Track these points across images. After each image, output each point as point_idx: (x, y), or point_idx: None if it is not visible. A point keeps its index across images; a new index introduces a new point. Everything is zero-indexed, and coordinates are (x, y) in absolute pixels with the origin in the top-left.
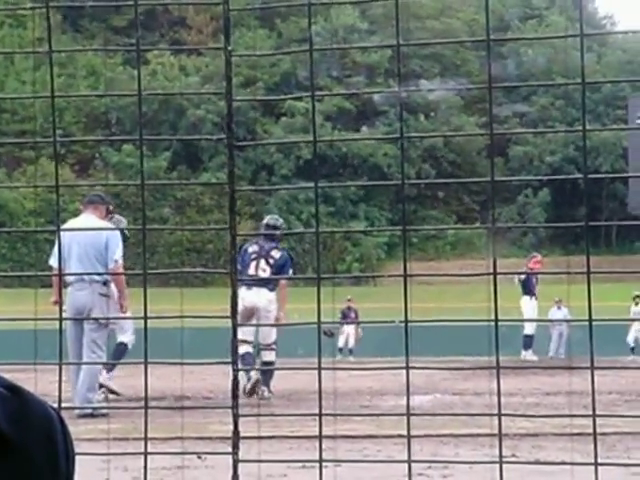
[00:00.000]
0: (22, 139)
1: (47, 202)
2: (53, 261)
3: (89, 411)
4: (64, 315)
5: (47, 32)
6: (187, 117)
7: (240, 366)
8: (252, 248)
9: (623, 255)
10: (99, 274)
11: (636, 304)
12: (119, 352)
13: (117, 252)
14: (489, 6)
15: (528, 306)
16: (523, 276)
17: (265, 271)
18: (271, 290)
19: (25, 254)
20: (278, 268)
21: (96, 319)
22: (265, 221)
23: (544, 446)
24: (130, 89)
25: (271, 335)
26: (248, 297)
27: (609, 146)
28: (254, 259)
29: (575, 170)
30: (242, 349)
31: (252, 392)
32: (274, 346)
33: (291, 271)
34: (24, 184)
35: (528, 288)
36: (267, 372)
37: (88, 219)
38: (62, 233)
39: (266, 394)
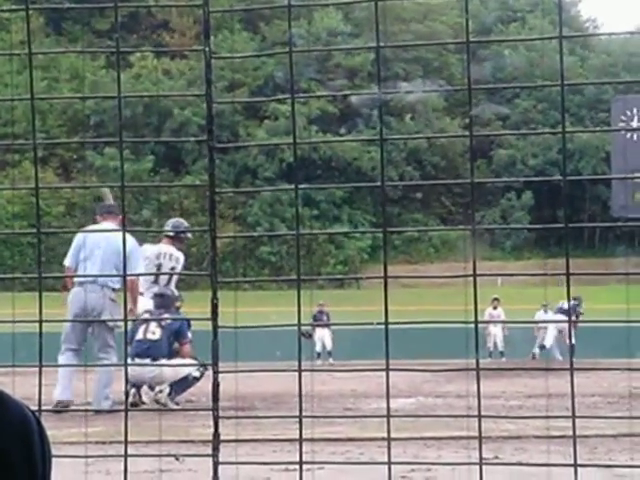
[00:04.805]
0: (3, 142)
1: (30, 205)
2: (67, 261)
3: (107, 407)
4: (67, 312)
5: (27, 34)
6: (172, 120)
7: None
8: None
9: (605, 258)
10: (101, 276)
11: (494, 308)
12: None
13: (139, 263)
14: (468, 8)
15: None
16: None
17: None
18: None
19: (8, 257)
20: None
21: (78, 321)
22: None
23: (527, 448)
24: (113, 92)
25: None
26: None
27: (592, 149)
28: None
29: (557, 173)
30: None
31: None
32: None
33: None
34: (5, 187)
35: None
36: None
37: (111, 227)
38: (87, 235)
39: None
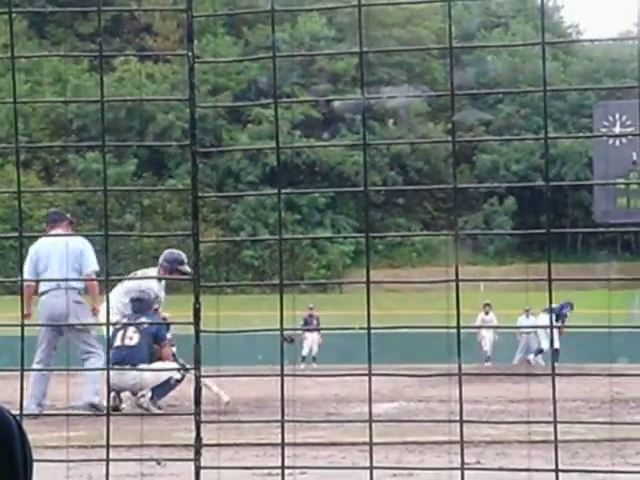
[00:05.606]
0: None
1: (12, 209)
2: (27, 274)
3: (96, 402)
4: (38, 322)
5: (10, 38)
6: (155, 124)
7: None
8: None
9: (588, 263)
10: (72, 279)
11: (486, 313)
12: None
13: (92, 259)
14: (451, 14)
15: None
16: None
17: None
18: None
19: None
20: None
21: (59, 325)
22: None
23: (509, 453)
24: (96, 96)
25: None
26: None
27: (575, 155)
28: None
29: (540, 178)
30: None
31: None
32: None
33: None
34: None
35: None
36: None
37: (60, 234)
38: (39, 248)
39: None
